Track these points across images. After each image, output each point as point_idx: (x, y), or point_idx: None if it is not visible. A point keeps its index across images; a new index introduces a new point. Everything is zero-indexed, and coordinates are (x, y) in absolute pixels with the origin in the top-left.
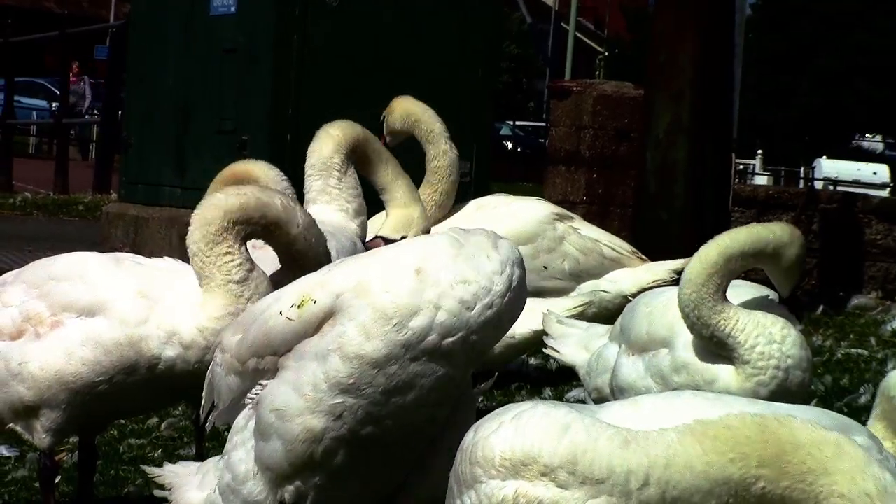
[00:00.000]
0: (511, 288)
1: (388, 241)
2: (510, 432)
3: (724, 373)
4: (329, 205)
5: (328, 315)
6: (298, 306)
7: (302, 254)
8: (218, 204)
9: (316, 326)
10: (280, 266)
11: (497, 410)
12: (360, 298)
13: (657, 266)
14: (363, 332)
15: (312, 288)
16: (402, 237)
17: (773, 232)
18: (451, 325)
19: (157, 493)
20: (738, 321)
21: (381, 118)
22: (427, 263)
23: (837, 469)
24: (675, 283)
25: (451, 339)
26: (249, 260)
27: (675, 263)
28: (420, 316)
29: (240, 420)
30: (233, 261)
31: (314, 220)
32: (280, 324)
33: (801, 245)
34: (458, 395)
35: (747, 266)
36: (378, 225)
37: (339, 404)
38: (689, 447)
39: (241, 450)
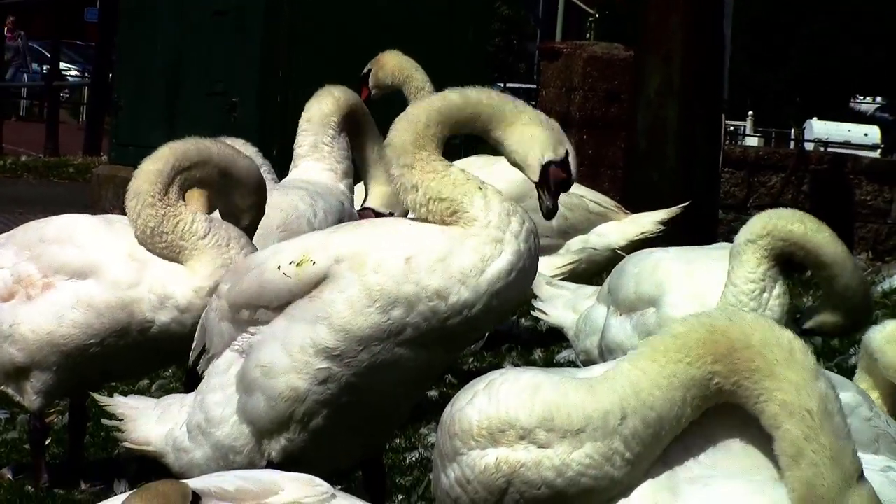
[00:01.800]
0: (491, 307)
1: (378, 214)
2: (484, 401)
3: None
4: (319, 163)
5: (323, 278)
6: (298, 264)
7: (227, 170)
8: (134, 192)
9: (311, 286)
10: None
11: (472, 382)
12: (353, 272)
13: (642, 217)
14: (350, 307)
15: (314, 248)
16: (390, 214)
17: (805, 225)
18: (425, 328)
19: (106, 422)
20: (760, 270)
21: (364, 71)
22: (419, 256)
23: (784, 377)
24: (661, 234)
25: (425, 338)
26: (196, 212)
27: (660, 214)
28: (398, 308)
29: (220, 363)
30: (185, 222)
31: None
32: (276, 278)
33: (845, 260)
34: (442, 371)
35: (789, 250)
36: (359, 194)
37: (324, 370)
38: (647, 368)
39: (219, 393)
